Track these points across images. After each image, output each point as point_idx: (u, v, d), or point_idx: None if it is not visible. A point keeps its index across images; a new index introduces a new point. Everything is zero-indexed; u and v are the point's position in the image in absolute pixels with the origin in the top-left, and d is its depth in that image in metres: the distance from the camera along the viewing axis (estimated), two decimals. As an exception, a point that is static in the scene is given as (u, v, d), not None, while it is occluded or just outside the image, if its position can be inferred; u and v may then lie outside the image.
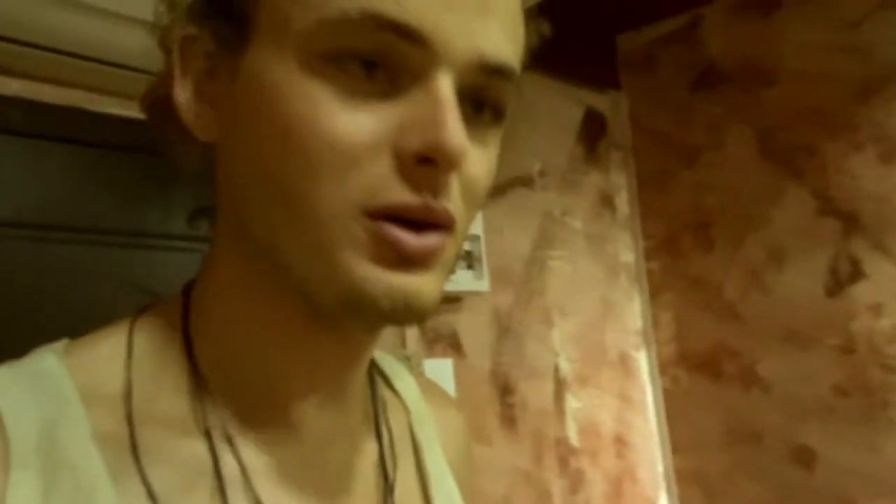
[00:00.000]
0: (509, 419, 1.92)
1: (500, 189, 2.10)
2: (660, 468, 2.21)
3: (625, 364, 2.25)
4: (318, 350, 0.43)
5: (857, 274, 1.86)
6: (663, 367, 2.29)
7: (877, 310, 1.81)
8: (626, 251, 2.39)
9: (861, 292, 1.84)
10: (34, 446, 0.36)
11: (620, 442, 2.15)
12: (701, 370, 2.19)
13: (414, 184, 0.35)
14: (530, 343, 2.03)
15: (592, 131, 2.42)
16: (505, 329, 1.99)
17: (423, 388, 0.57)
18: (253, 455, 0.41)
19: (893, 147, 1.82)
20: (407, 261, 0.36)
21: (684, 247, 2.29)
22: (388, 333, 1.71)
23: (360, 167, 0.35)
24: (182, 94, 0.40)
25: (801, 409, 1.92)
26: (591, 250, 2.29)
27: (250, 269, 0.41)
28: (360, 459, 0.46)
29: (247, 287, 0.42)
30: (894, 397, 1.75)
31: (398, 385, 0.55)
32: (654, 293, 2.35)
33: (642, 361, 2.29)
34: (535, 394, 1.99)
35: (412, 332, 1.77)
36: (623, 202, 2.43)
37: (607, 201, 2.39)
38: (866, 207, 1.86)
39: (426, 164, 0.35)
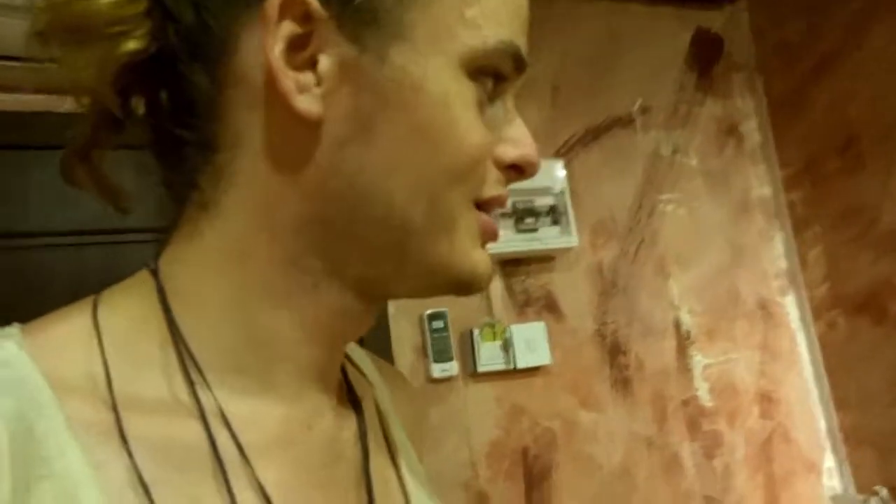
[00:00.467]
0: (622, 382, 1.76)
1: (593, 134, 1.94)
2: (821, 426, 1.92)
3: (767, 312, 1.97)
4: (337, 329, 0.43)
5: None
6: (816, 312, 1.98)
7: None
8: (760, 184, 2.09)
9: None
10: (6, 443, 0.34)
11: (766, 399, 1.89)
12: (861, 312, 1.86)
13: (504, 182, 0.43)
14: (643, 298, 1.85)
15: (705, 54, 2.14)
16: (610, 285, 1.83)
17: (374, 362, 0.57)
18: (247, 433, 0.39)
19: None
20: (492, 241, 0.44)
21: (829, 171, 1.96)
22: (473, 301, 1.64)
23: (480, 167, 0.41)
24: (274, 52, 0.38)
25: None
26: (713, 188, 2.03)
27: (294, 248, 0.41)
28: (342, 432, 0.46)
29: (278, 266, 0.41)
30: None
31: (356, 360, 0.54)
32: (798, 228, 2.04)
33: (790, 307, 2.00)
34: (652, 353, 1.81)
35: (497, 297, 1.68)
36: (751, 129, 2.13)
37: (730, 131, 2.11)
38: None
39: (514, 170, 0.43)
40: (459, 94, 0.40)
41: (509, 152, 0.43)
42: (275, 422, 0.41)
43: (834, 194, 1.94)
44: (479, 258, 0.43)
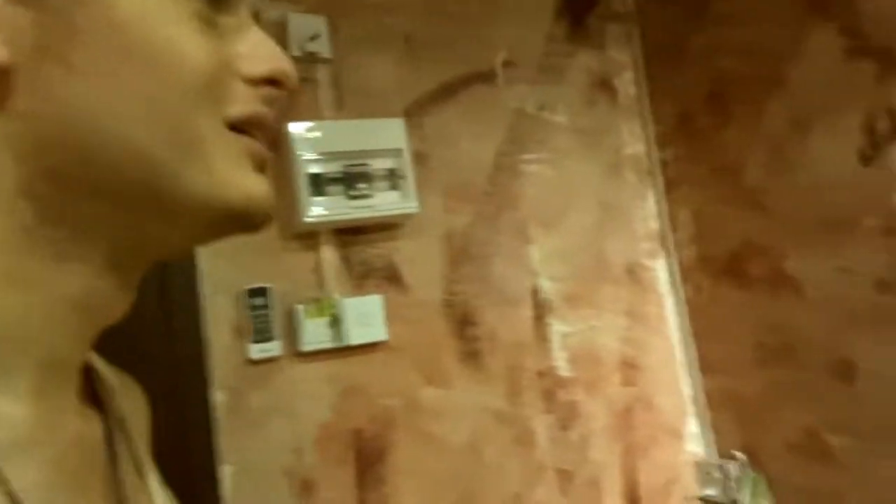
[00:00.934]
0: (472, 355, 1.68)
1: (449, 90, 1.81)
2: (685, 392, 1.87)
3: (634, 276, 1.90)
4: (87, 312, 0.38)
5: None
6: (685, 276, 1.91)
7: (921, 172, 1.34)
8: (633, 141, 1.99)
9: (901, 152, 1.37)
10: None
11: (630, 367, 1.83)
12: (725, 275, 1.79)
13: (262, 99, 0.40)
14: (499, 265, 1.76)
15: (578, 3, 2.01)
16: (462, 253, 1.72)
17: (108, 365, 0.51)
18: None
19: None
20: (263, 166, 0.40)
21: (700, 127, 1.86)
22: (303, 275, 1.53)
23: (215, 84, 0.37)
24: None
25: (839, 312, 1.50)
26: (583, 147, 1.93)
27: (23, 218, 0.36)
28: (88, 435, 0.41)
29: (6, 242, 0.35)
30: (949, 287, 1.30)
31: (92, 361, 0.49)
32: (670, 188, 1.95)
33: (659, 271, 1.93)
34: (506, 323, 1.72)
35: (330, 270, 1.57)
36: (626, 83, 2.03)
37: (603, 85, 2.00)
38: (904, 35, 1.36)
39: (267, 84, 0.40)
40: (166, 8, 0.36)
41: (255, 66, 0.40)
42: (17, 422, 0.36)
43: (703, 151, 1.86)
44: (247, 183, 0.39)
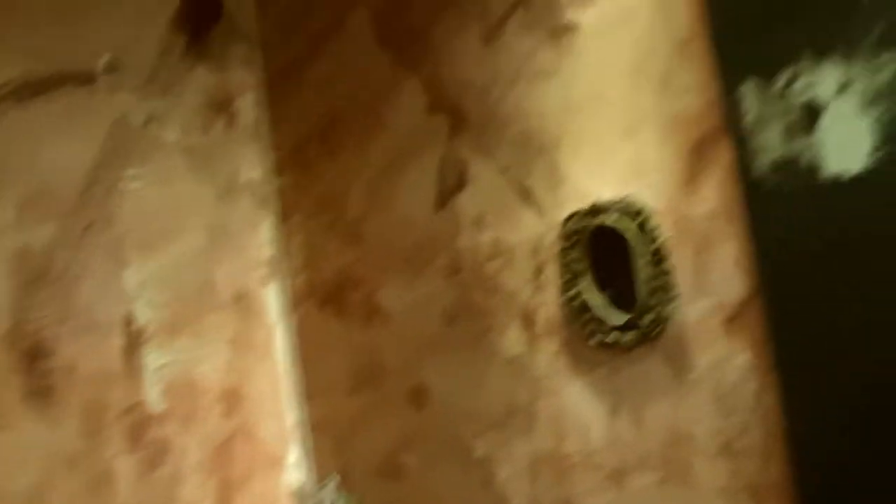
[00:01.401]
0: (43, 391, 1.48)
1: (36, 88, 1.59)
2: (289, 420, 1.89)
3: (242, 303, 1.86)
4: None
5: (462, 181, 1.58)
6: (294, 304, 1.94)
7: (479, 222, 1.54)
8: (250, 167, 1.97)
9: (465, 203, 1.57)
10: None
11: (232, 397, 1.79)
12: (328, 304, 1.86)
13: None
14: (85, 289, 1.58)
15: (200, 14, 1.93)
16: (39, 274, 1.52)
17: None
18: None
19: (495, 23, 1.52)
20: None
21: (312, 156, 1.92)
22: None
23: None
24: None
25: (416, 342, 1.66)
26: (195, 168, 1.85)
27: None
28: None
29: None
30: (495, 322, 1.52)
31: None
32: (285, 216, 1.98)
33: (270, 299, 1.93)
34: (90, 354, 1.56)
35: None
36: (247, 106, 2.00)
37: (222, 106, 1.94)
38: (471, 99, 1.56)
39: None
40: None
41: None
42: None
43: (314, 181, 1.91)
44: None
